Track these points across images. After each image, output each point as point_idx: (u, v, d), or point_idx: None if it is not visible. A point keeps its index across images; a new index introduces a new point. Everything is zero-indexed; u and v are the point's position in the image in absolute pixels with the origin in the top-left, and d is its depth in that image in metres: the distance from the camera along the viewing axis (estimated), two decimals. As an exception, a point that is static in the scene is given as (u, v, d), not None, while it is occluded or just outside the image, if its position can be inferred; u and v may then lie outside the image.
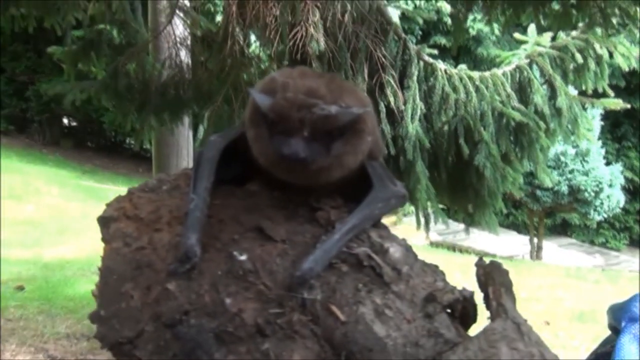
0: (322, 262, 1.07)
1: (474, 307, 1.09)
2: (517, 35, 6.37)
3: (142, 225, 1.11)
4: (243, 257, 1.04)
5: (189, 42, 5.55)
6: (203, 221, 1.10)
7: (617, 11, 4.54)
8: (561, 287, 10.13)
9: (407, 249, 1.13)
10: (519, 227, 20.88)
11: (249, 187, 1.20)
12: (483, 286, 1.12)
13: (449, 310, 1.07)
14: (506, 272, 1.13)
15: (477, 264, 1.16)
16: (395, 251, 1.09)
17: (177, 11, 5.45)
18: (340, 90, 1.20)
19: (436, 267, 1.14)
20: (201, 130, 5.52)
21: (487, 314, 1.10)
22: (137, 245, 1.08)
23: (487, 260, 1.15)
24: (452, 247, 15.95)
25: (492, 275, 1.11)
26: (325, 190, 1.19)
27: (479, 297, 1.13)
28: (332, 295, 1.02)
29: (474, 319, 1.11)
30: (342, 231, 1.11)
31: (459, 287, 1.10)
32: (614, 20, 4.64)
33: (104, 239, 1.13)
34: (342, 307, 1.00)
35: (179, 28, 5.51)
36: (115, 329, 1.03)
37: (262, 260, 1.05)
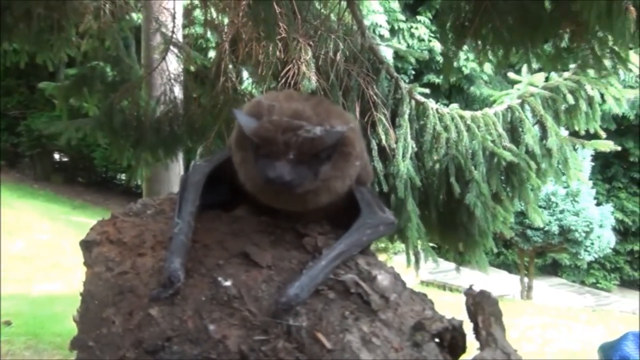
0: (307, 289, 1.05)
1: (462, 336, 1.07)
2: (511, 75, 6.42)
3: (125, 249, 1.09)
4: (228, 283, 1.02)
5: (182, 78, 5.57)
6: (188, 245, 1.08)
7: (608, 54, 4.58)
8: (552, 327, 10.09)
9: (396, 276, 1.12)
10: (510, 267, 20.86)
11: (236, 212, 1.18)
12: (472, 315, 1.11)
13: (437, 340, 1.05)
14: (495, 302, 1.11)
15: (466, 293, 1.14)
16: (383, 279, 1.08)
17: (172, 47, 5.48)
18: (327, 112, 1.19)
19: (425, 295, 1.12)
20: (193, 166, 5.51)
21: (477, 344, 1.08)
22: (119, 270, 1.06)
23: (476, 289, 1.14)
24: (443, 286, 15.90)
25: (481, 305, 1.10)
26: (314, 217, 1.17)
27: (468, 327, 1.12)
28: (319, 322, 1.00)
29: (463, 349, 1.09)
30: (329, 257, 1.09)
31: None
32: (607, 63, 4.68)
33: (86, 263, 1.11)
34: (328, 335, 0.98)
35: (173, 64, 5.54)
36: (95, 355, 1.00)
37: (247, 286, 1.03)
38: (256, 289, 1.02)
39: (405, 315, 1.04)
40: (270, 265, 1.06)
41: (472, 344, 1.09)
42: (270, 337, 0.97)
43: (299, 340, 0.97)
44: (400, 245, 5.75)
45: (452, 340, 1.06)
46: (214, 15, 5.40)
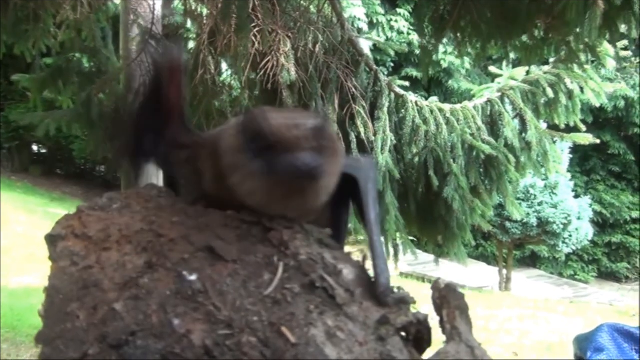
0: (386, 267, 1.14)
1: (428, 330, 1.08)
2: (491, 68, 6.46)
3: (91, 244, 1.08)
4: (193, 277, 1.02)
5: (160, 69, 5.54)
6: None
7: (581, 46, 4.62)
8: (530, 319, 10.18)
9: (362, 271, 1.12)
10: (489, 259, 21.00)
11: (201, 206, 1.18)
12: (438, 309, 1.11)
13: (403, 334, 1.05)
14: (462, 296, 1.12)
15: (433, 287, 1.15)
16: (349, 273, 1.08)
17: (149, 39, 5.44)
18: (301, 112, 1.22)
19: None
20: (172, 158, 5.49)
21: (444, 337, 1.09)
22: (84, 265, 1.06)
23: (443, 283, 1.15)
24: (422, 278, 15.97)
25: (447, 299, 1.10)
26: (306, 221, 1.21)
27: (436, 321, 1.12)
28: (283, 316, 1.00)
29: (428, 343, 1.09)
30: (376, 232, 1.20)
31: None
32: (582, 57, 4.72)
33: (51, 258, 1.10)
34: (293, 329, 0.97)
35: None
36: (59, 350, 0.99)
37: (212, 281, 1.02)
38: (221, 283, 1.02)
39: (371, 309, 1.05)
40: (235, 260, 1.05)
41: (440, 338, 1.10)
42: (235, 331, 0.97)
43: (264, 335, 0.97)
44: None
45: (417, 334, 1.06)
46: (193, 6, 5.37)
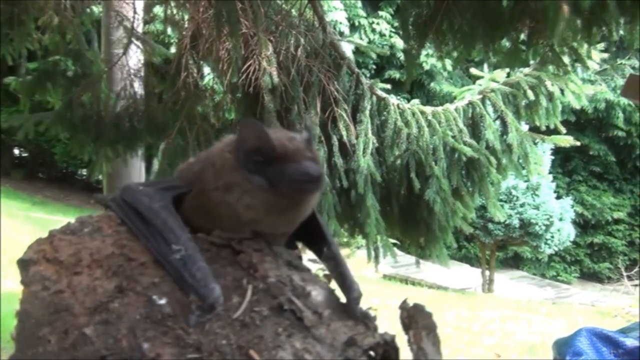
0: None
1: (395, 350, 1.10)
2: (473, 70, 6.48)
3: (62, 268, 1.09)
4: (162, 301, 1.03)
5: (142, 73, 5.54)
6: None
7: (566, 50, 4.65)
8: (512, 320, 10.23)
9: (330, 292, 1.14)
10: (471, 260, 21.12)
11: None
12: (406, 329, 1.13)
13: (371, 354, 1.07)
14: (429, 315, 1.14)
15: (400, 307, 1.17)
16: (317, 294, 1.09)
17: (135, 40, 5.44)
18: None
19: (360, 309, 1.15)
20: (155, 163, 5.49)
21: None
22: (55, 289, 1.07)
23: (411, 303, 1.17)
24: (404, 280, 16.03)
25: (415, 318, 1.12)
26: (282, 240, 1.24)
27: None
28: (252, 339, 1.01)
29: (396, 363, 1.11)
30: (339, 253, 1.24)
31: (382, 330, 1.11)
32: (566, 60, 4.75)
33: (23, 282, 1.11)
34: (261, 352, 0.99)
35: (133, 59, 5.50)
36: (31, 374, 1.01)
37: (182, 304, 1.04)
38: (190, 307, 1.04)
39: (338, 330, 1.06)
40: (205, 283, 1.07)
41: (408, 357, 1.12)
42: (203, 355, 0.99)
43: (232, 358, 0.99)
44: (363, 240, 5.80)
45: (384, 355, 1.08)
46: (174, 11, 5.37)
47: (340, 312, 1.11)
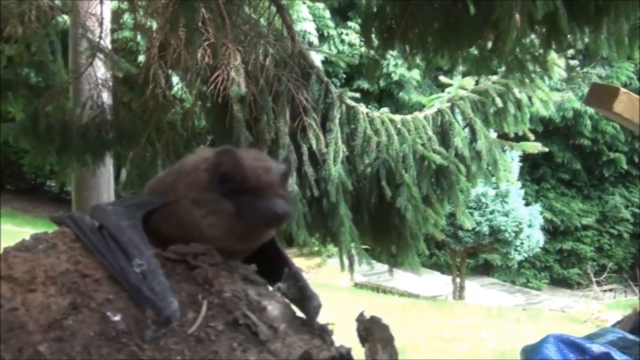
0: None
1: (352, 364, 1.10)
2: (441, 78, 6.53)
3: (16, 285, 1.08)
4: (117, 318, 1.03)
5: (110, 83, 5.49)
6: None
7: (528, 57, 4.70)
8: (483, 327, 10.28)
9: (285, 306, 1.14)
10: (442, 268, 21.24)
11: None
12: (362, 342, 1.14)
13: (327, 367, 1.07)
14: (386, 327, 1.15)
15: (357, 319, 1.17)
16: (273, 309, 1.10)
17: (98, 53, 5.39)
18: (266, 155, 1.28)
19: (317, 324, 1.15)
20: (124, 172, 5.45)
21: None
22: (10, 307, 1.06)
23: (368, 315, 1.17)
24: (377, 288, 16.07)
25: (371, 331, 1.13)
26: (239, 258, 1.25)
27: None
28: (207, 354, 1.01)
29: (352, 376, 1.12)
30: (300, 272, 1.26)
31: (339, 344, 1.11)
32: (530, 67, 4.80)
33: (-24, 300, 1.10)
34: (216, 367, 0.99)
35: (101, 69, 5.45)
36: (-16, 392, 1.00)
37: (136, 320, 1.03)
38: (145, 323, 1.03)
39: (294, 344, 1.07)
40: (160, 299, 1.06)
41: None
42: (158, 371, 0.99)
43: (188, 374, 0.99)
44: (334, 249, 5.81)
45: (341, 368, 1.08)
46: (143, 20, 5.34)
47: (296, 326, 1.11)
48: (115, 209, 1.25)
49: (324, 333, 1.14)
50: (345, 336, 1.20)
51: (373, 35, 4.49)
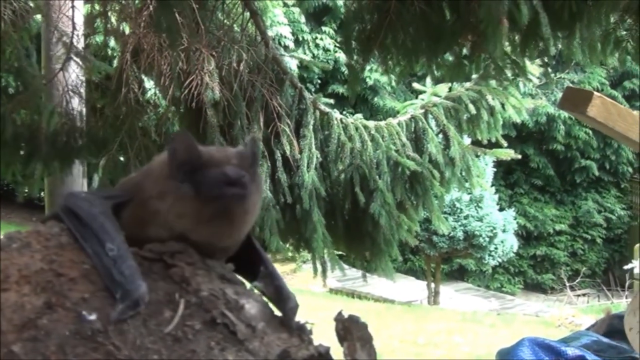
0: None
1: (330, 362, 1.10)
2: (415, 85, 6.57)
3: (-11, 284, 1.07)
4: (92, 317, 1.01)
5: (82, 89, 5.43)
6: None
7: (508, 64, 4.74)
8: (458, 332, 10.33)
9: (264, 305, 1.14)
10: (417, 273, 21.31)
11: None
12: (341, 341, 1.13)
13: (306, 366, 1.07)
14: (365, 326, 1.14)
15: (335, 319, 1.17)
16: (251, 307, 1.09)
17: (74, 56, 5.33)
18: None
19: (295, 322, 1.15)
20: (96, 179, 5.39)
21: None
22: (-18, 307, 1.04)
23: (347, 314, 1.17)
24: (351, 294, 16.10)
25: (350, 330, 1.13)
26: (222, 255, 1.24)
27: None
28: (184, 354, 1.00)
29: (331, 375, 1.11)
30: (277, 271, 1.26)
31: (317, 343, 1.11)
32: (508, 73, 4.84)
33: (-52, 300, 1.08)
34: (194, 367, 0.98)
35: (72, 75, 5.39)
36: (-44, 394, 0.98)
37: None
38: (121, 322, 1.02)
39: (272, 343, 1.06)
40: (136, 298, 1.05)
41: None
42: (134, 370, 0.97)
43: (164, 373, 0.97)
44: (309, 254, 5.81)
45: (319, 367, 1.08)
46: (115, 24, 5.30)
47: (275, 325, 1.11)
48: (87, 196, 1.28)
49: (302, 332, 1.14)
50: (321, 341, 1.20)
51: (352, 43, 4.49)
